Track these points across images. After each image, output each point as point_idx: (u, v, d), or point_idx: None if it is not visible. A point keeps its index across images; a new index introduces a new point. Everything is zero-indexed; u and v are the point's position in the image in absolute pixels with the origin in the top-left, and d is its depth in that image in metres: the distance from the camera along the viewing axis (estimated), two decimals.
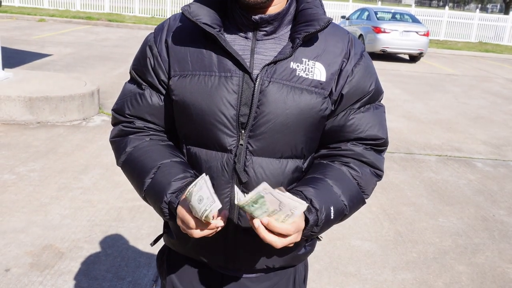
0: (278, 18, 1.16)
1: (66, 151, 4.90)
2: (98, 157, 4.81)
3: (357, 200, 1.22)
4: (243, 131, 1.16)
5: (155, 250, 3.24)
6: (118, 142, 1.28)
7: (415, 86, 10.70)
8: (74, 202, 3.82)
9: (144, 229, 3.49)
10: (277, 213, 0.99)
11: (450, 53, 18.64)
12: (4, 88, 5.88)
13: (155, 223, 3.57)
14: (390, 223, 3.94)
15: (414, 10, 23.02)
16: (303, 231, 1.09)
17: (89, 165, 4.58)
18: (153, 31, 1.26)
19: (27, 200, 3.79)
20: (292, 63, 1.15)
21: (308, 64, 1.16)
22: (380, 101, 1.29)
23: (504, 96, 10.29)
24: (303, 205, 0.98)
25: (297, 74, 1.15)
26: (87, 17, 19.32)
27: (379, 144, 1.27)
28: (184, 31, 1.20)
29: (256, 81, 1.13)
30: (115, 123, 1.31)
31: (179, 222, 1.09)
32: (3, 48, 6.53)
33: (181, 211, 1.08)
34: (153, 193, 1.18)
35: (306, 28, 1.14)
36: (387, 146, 1.30)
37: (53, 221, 3.51)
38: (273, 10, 1.15)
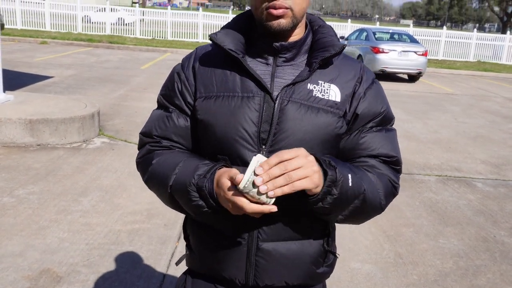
0: (297, 46, 1.27)
1: (65, 173, 4.91)
2: (98, 179, 4.81)
3: (374, 195, 1.24)
4: (263, 146, 1.24)
5: (154, 274, 3.23)
6: (144, 159, 1.34)
7: (414, 105, 10.74)
8: (73, 225, 3.81)
9: (143, 252, 3.47)
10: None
11: (449, 72, 18.75)
12: (5, 110, 5.92)
13: (153, 246, 3.56)
14: (390, 245, 3.92)
15: (412, 30, 23.23)
16: (321, 190, 1.11)
17: (88, 187, 4.59)
18: (181, 61, 1.38)
19: (26, 223, 3.79)
20: (309, 84, 1.26)
21: (324, 86, 1.27)
22: (392, 125, 1.38)
23: (503, 115, 10.32)
24: (257, 160, 1.06)
25: (314, 95, 1.25)
26: (89, 39, 19.50)
27: (392, 162, 1.33)
28: (210, 57, 1.32)
29: (276, 100, 1.23)
30: (141, 145, 1.39)
31: (222, 194, 1.12)
32: (4, 70, 6.58)
33: (225, 182, 1.11)
34: (179, 183, 1.22)
35: (322, 54, 1.26)
36: (400, 166, 1.35)
37: (51, 244, 3.49)
38: (292, 38, 1.27)
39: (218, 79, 1.28)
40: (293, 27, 1.23)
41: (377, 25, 26.89)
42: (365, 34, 15.95)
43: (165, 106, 1.36)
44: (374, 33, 15.66)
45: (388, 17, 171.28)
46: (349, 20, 24.58)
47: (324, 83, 1.27)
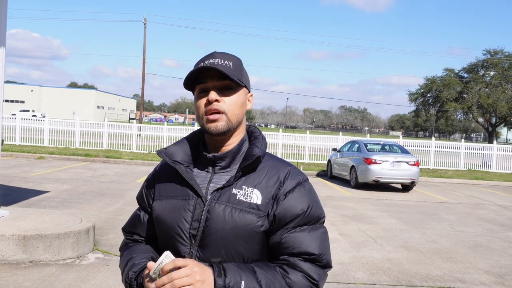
0: (229, 155, 1.53)
1: None
2: None
3: None
4: (193, 241, 1.47)
5: None
6: (121, 250, 1.68)
7: (410, 215, 10.73)
8: None
9: None
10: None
11: (441, 181, 18.99)
12: None
13: None
14: None
15: (402, 141, 23.90)
16: None
17: None
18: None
19: None
20: (234, 189, 1.48)
21: (247, 190, 1.48)
22: (320, 223, 1.53)
23: (499, 223, 10.28)
24: (166, 255, 1.32)
25: (237, 198, 1.47)
26: (85, 154, 19.83)
27: (313, 260, 1.46)
28: (165, 168, 1.63)
29: (206, 202, 1.48)
30: (124, 237, 1.73)
31: None
32: (0, 186, 6.60)
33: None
34: (124, 276, 1.50)
35: (243, 163, 1.50)
36: (325, 261, 1.49)
37: None
38: (224, 149, 1.54)
39: (167, 185, 1.57)
40: (229, 130, 1.49)
41: (368, 137, 27.69)
42: (357, 145, 16.36)
43: (138, 207, 1.71)
44: (366, 145, 16.07)
45: (377, 129, 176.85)
46: (340, 132, 25.37)
47: (247, 188, 1.49)
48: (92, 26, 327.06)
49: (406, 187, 15.30)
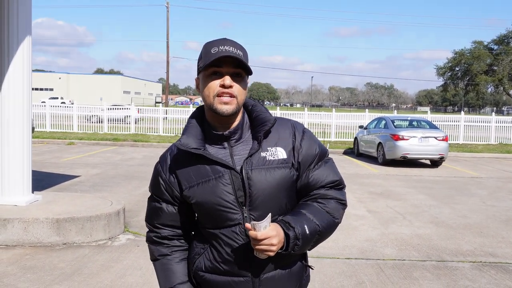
0: (239, 127, 1.72)
1: (91, 272, 4.86)
2: (123, 277, 4.74)
3: (328, 221, 1.71)
4: (244, 208, 1.67)
5: None
6: (151, 249, 1.87)
7: (440, 190, 10.59)
8: None
9: None
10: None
11: (472, 156, 18.64)
12: (33, 210, 6.02)
13: None
14: None
15: (430, 117, 23.48)
16: (288, 244, 1.59)
17: (113, 285, 4.51)
18: (159, 160, 1.81)
19: None
20: (261, 153, 1.69)
21: (272, 150, 1.70)
22: (327, 156, 1.82)
23: None
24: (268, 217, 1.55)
25: (267, 159, 1.69)
26: (114, 139, 20.15)
27: (336, 185, 1.78)
28: (182, 157, 1.73)
29: (242, 172, 1.66)
30: (148, 229, 1.87)
31: None
32: (33, 171, 6.78)
33: None
34: None
35: (262, 128, 1.70)
36: (343, 184, 1.82)
37: None
38: (234, 124, 1.70)
39: (193, 171, 1.70)
40: (236, 112, 1.66)
41: (395, 113, 27.30)
42: (383, 122, 16.15)
43: (156, 199, 1.81)
44: (393, 121, 15.84)
45: (405, 105, 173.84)
46: (367, 109, 25.08)
47: (271, 148, 1.70)
48: (115, 12, 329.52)
49: (435, 163, 15.08)
